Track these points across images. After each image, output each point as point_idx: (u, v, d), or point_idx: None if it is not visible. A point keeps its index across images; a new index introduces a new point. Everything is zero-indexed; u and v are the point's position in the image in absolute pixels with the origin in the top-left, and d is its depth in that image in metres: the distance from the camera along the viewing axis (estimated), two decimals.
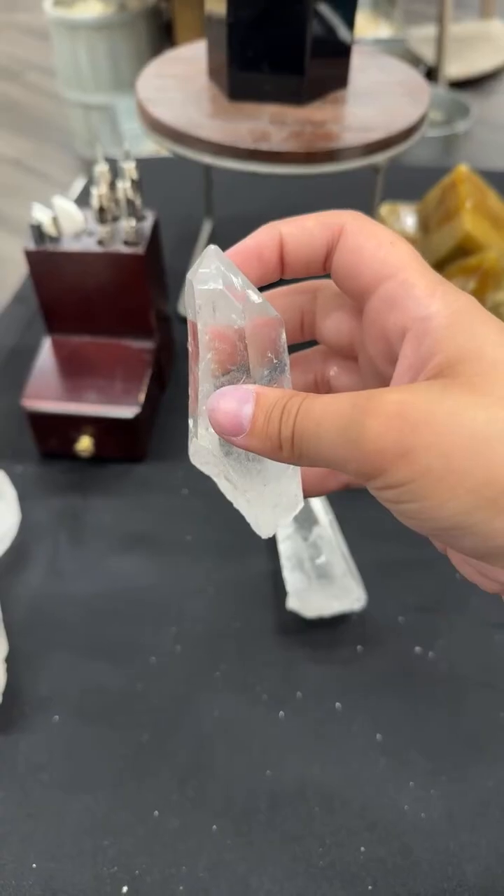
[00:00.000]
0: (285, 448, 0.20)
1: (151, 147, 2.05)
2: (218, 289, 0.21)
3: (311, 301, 0.25)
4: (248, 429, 0.20)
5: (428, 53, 2.48)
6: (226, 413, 0.21)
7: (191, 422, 0.23)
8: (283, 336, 0.23)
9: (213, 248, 0.22)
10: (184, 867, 0.38)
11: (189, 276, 0.22)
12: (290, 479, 0.24)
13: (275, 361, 0.23)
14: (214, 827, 0.39)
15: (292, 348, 0.25)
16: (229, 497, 0.24)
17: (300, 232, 0.22)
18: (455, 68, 2.69)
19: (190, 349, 0.23)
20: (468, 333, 0.19)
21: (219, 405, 0.21)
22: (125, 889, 0.37)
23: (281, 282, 0.24)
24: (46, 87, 2.83)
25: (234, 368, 0.22)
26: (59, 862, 0.38)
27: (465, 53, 2.83)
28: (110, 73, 2.23)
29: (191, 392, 0.23)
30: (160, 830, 0.39)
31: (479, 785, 0.40)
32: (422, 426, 0.18)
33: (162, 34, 2.27)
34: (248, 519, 0.24)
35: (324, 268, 0.23)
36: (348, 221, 0.22)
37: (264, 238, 0.22)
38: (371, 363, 0.23)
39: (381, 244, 0.21)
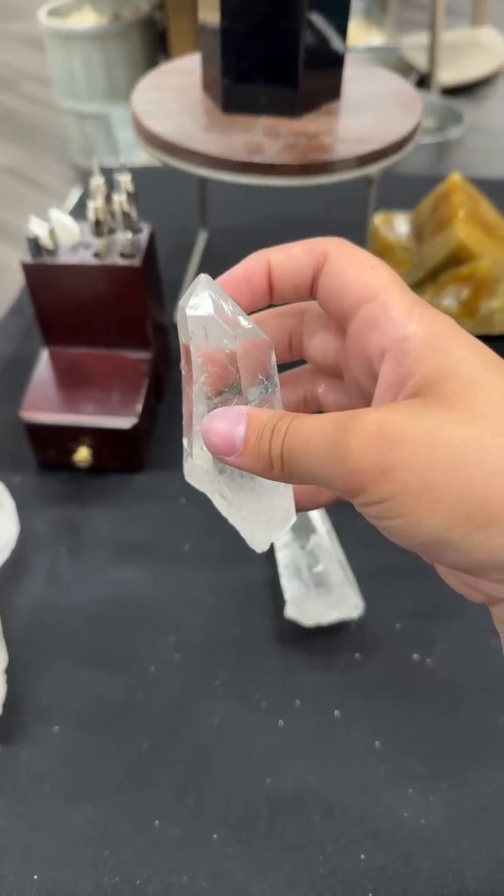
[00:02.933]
0: (276, 466, 0.21)
1: (146, 156, 2.06)
2: (209, 315, 0.22)
3: (299, 322, 0.26)
4: (241, 449, 0.21)
5: (420, 61, 2.50)
6: (219, 434, 0.21)
7: (185, 441, 0.24)
8: (273, 358, 0.24)
9: (203, 276, 0.23)
10: (185, 876, 0.38)
11: (181, 303, 0.23)
12: (282, 495, 0.24)
13: (265, 382, 0.23)
14: (215, 836, 0.39)
15: (282, 367, 0.25)
16: (224, 513, 0.25)
17: (287, 259, 0.23)
18: (447, 75, 2.71)
19: (183, 372, 0.24)
20: (445, 353, 0.20)
21: (212, 426, 0.22)
22: None
23: (270, 306, 0.25)
24: (42, 97, 2.84)
25: (226, 390, 0.23)
26: (61, 872, 0.38)
27: (457, 60, 2.85)
28: (105, 83, 2.24)
29: (185, 412, 0.24)
30: (161, 840, 0.39)
31: (478, 791, 0.41)
32: (400, 444, 0.18)
33: (156, 43, 2.28)
34: (243, 534, 0.25)
35: (310, 292, 0.24)
36: (332, 247, 0.23)
37: (253, 265, 0.23)
38: (355, 381, 0.24)
39: (362, 269, 0.22)
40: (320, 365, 0.26)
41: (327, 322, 0.25)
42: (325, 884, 0.37)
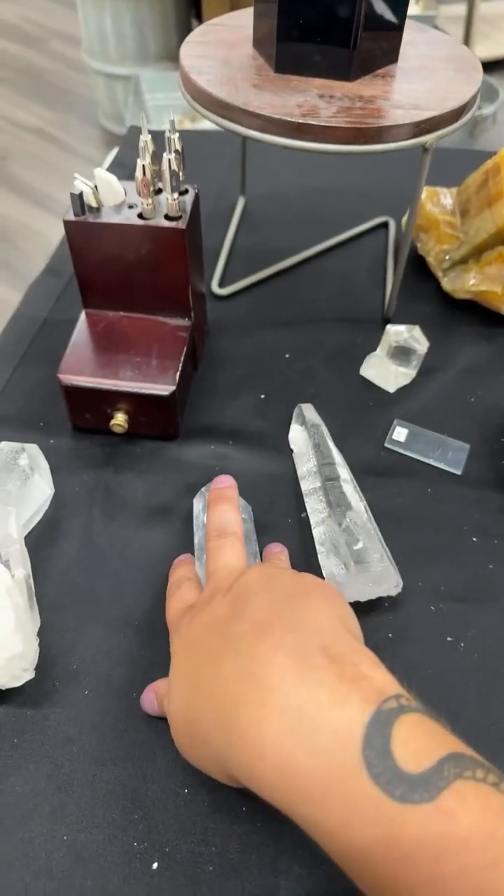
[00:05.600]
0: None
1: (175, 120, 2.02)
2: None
3: None
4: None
5: (456, 33, 2.43)
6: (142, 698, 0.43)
7: None
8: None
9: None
10: (213, 847, 0.37)
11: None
12: None
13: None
14: (244, 808, 0.39)
15: None
16: None
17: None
18: (483, 49, 2.63)
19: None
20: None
21: (144, 695, 0.43)
22: (155, 865, 0.37)
23: None
24: (70, 57, 2.79)
25: None
26: (90, 834, 0.38)
27: (494, 34, 2.77)
28: (135, 44, 2.19)
29: None
30: (190, 807, 0.39)
31: None
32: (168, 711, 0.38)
33: (189, 6, 2.23)
34: None
35: None
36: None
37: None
38: None
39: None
40: None
41: None
42: None
